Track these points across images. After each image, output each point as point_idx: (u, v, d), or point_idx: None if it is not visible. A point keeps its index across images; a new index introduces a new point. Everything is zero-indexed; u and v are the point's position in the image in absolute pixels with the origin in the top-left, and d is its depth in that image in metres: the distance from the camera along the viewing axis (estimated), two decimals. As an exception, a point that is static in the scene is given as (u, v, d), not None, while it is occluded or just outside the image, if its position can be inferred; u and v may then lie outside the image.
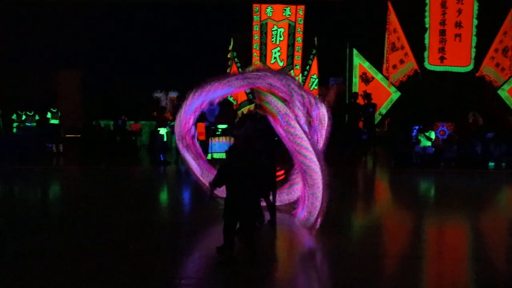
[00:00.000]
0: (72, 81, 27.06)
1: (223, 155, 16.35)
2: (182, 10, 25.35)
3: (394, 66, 23.06)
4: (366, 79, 23.49)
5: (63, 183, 16.84)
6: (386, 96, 23.14)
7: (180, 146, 10.73)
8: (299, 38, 22.81)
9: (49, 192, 15.31)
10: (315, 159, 8.93)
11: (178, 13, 25.43)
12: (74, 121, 25.89)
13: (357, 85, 23.49)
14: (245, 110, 21.65)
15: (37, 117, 22.56)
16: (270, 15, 22.74)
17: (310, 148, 8.95)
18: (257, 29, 22.79)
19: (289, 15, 22.73)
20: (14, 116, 22.36)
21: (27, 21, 25.11)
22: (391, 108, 23.18)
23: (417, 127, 19.72)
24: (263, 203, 10.23)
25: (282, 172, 11.12)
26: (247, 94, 22.44)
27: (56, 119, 22.49)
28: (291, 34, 22.82)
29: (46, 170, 18.50)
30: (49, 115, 22.34)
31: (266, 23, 22.79)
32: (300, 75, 22.87)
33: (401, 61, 23.06)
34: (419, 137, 18.97)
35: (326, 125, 10.72)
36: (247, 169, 7.84)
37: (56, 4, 25.54)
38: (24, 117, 22.38)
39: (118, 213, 11.25)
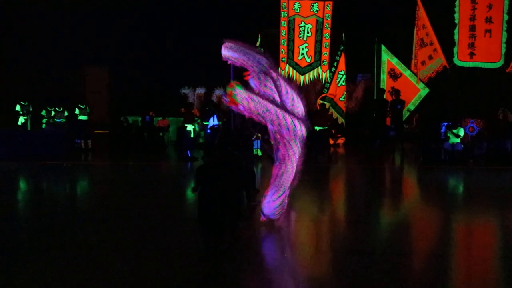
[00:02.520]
0: (100, 77, 27.23)
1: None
2: (210, 5, 25.38)
3: (423, 62, 22.83)
4: (394, 75, 23.30)
5: (91, 179, 16.97)
6: (415, 92, 22.92)
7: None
8: (326, 34, 22.71)
9: (77, 188, 15.44)
10: (292, 134, 9.00)
11: (206, 8, 25.46)
12: (103, 117, 26.09)
13: (385, 82, 23.31)
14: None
15: (66, 113, 22.76)
16: (298, 11, 22.67)
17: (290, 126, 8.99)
18: (285, 25, 22.74)
19: (316, 11, 22.64)
20: (43, 112, 22.57)
21: (56, 18, 25.32)
22: (420, 104, 22.96)
23: (445, 124, 19.53)
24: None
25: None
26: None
27: (84, 115, 22.68)
28: (319, 30, 22.72)
29: (74, 166, 18.66)
30: (77, 111, 22.53)
31: (294, 19, 22.72)
32: (328, 71, 22.78)
33: (430, 57, 22.82)
34: (448, 134, 18.78)
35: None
36: (221, 167, 7.86)
37: (84, 1, 25.75)
38: (53, 113, 22.58)
39: (145, 209, 11.30)
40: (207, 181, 7.68)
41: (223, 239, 7.90)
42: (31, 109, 22.77)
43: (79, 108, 22.58)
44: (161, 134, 23.73)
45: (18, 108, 22.38)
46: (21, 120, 22.41)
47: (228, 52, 9.33)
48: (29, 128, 22.18)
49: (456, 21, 22.65)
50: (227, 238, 8.01)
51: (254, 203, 11.00)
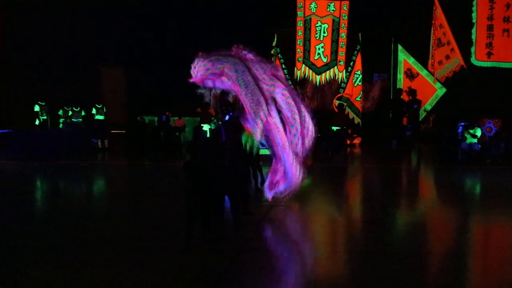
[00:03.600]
0: (117, 77, 27.32)
1: None
2: (225, 5, 25.38)
3: (440, 62, 22.71)
4: (411, 75, 23.20)
5: (107, 179, 17.05)
6: (432, 92, 22.80)
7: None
8: (343, 34, 22.66)
9: (93, 188, 15.52)
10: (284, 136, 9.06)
11: (221, 8, 25.47)
12: (119, 116, 26.17)
13: (401, 81, 23.21)
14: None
15: (83, 113, 22.87)
16: (314, 11, 22.63)
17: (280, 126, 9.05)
18: (301, 24, 22.71)
19: (333, 10, 22.59)
20: (60, 112, 22.70)
21: (72, 19, 25.45)
22: (437, 104, 22.84)
23: (462, 124, 19.42)
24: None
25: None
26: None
27: (101, 114, 22.76)
28: (335, 29, 22.67)
29: (91, 165, 18.75)
30: (94, 110, 22.63)
31: (310, 19, 22.69)
32: (344, 71, 22.73)
33: (447, 57, 22.69)
34: (465, 134, 18.67)
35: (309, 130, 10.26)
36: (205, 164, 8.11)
37: (101, 1, 25.85)
38: (70, 112, 22.69)
39: (161, 209, 11.33)
40: (192, 175, 8.06)
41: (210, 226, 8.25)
42: (49, 109, 22.87)
43: (96, 108, 22.68)
44: (177, 134, 23.79)
45: (37, 108, 22.50)
46: (38, 120, 22.52)
47: (199, 70, 9.30)
48: (49, 127, 22.28)
49: (474, 21, 22.51)
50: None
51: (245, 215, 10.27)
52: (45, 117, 22.53)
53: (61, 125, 22.51)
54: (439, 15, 22.36)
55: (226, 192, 8.93)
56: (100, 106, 22.90)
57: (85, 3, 25.71)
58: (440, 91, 22.74)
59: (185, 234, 8.04)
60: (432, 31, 22.71)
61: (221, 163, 8.65)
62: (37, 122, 22.45)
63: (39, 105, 22.55)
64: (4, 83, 25.65)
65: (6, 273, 7.34)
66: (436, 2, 22.31)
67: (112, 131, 23.68)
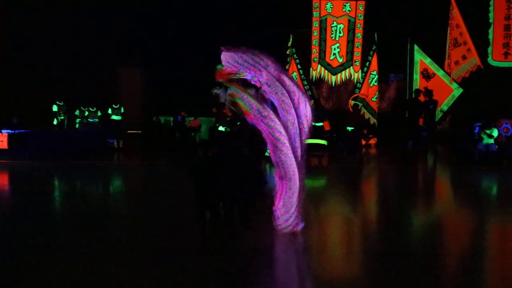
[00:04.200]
0: (133, 77, 27.44)
1: None
2: (241, 5, 25.40)
3: (456, 62, 22.62)
4: (427, 75, 23.13)
5: (123, 179, 17.12)
6: (448, 92, 22.73)
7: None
8: (359, 34, 22.62)
9: (109, 188, 15.58)
10: (290, 153, 8.84)
11: (236, 9, 25.50)
12: (135, 117, 26.27)
13: (418, 82, 23.15)
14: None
15: (99, 113, 22.98)
16: (330, 11, 22.61)
17: (287, 143, 8.85)
18: (317, 25, 22.70)
19: (349, 10, 22.56)
20: (77, 112, 22.82)
21: (90, 19, 25.58)
22: (453, 104, 22.76)
23: (479, 124, 19.30)
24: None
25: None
26: (305, 90, 22.35)
27: (117, 115, 22.85)
28: (351, 30, 22.64)
29: (107, 165, 18.84)
30: (110, 111, 22.73)
31: (326, 19, 22.67)
32: (360, 71, 22.68)
33: (464, 57, 22.60)
34: (481, 135, 18.57)
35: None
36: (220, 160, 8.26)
37: (119, 1, 25.97)
38: (86, 113, 22.80)
39: (177, 209, 11.35)
40: (202, 174, 8.36)
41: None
42: (67, 109, 23.00)
43: (112, 108, 22.77)
44: (192, 134, 23.85)
45: (55, 108, 22.64)
46: (56, 120, 22.66)
47: (229, 61, 9.24)
48: (66, 128, 22.41)
49: (491, 21, 22.43)
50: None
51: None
52: (62, 117, 22.67)
53: (77, 125, 22.63)
54: (455, 15, 22.27)
55: (236, 192, 9.03)
56: (117, 106, 22.98)
57: (103, 3, 25.84)
58: (457, 91, 22.65)
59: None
60: (448, 31, 22.63)
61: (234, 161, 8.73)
62: (55, 122, 22.59)
63: (57, 105, 22.69)
64: (21, 83, 25.83)
65: (24, 271, 7.40)
66: (453, 2, 22.22)
67: (128, 131, 23.78)
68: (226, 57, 9.15)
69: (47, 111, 23.16)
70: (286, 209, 9.02)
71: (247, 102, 8.98)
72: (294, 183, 8.90)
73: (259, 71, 9.12)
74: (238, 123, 15.28)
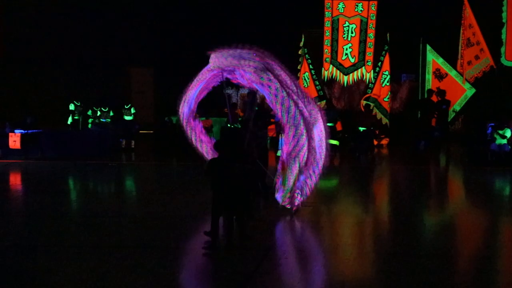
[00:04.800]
0: (145, 78, 27.53)
1: None
2: (253, 5, 25.42)
3: (469, 62, 22.53)
4: (439, 75, 23.03)
5: (136, 178, 17.17)
6: (461, 92, 22.63)
7: (186, 128, 11.84)
8: (371, 34, 22.56)
9: (121, 188, 15.64)
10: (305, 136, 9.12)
11: (248, 8, 25.51)
12: (147, 117, 26.34)
13: (430, 82, 23.05)
14: (315, 106, 21.50)
15: (111, 113, 23.02)
16: (342, 11, 22.57)
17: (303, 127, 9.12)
18: (329, 25, 22.66)
19: (361, 11, 22.51)
20: (89, 112, 22.89)
21: (102, 20, 25.67)
22: (466, 105, 22.66)
23: (491, 124, 19.20)
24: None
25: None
26: (317, 90, 22.35)
27: (128, 115, 22.88)
28: (363, 30, 22.58)
29: (119, 165, 18.91)
30: (121, 111, 22.77)
31: (338, 19, 22.63)
32: (372, 71, 22.62)
33: (477, 57, 22.51)
34: (494, 135, 18.48)
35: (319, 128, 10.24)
36: (233, 163, 8.34)
37: (131, 1, 26.06)
38: (99, 113, 22.86)
39: (190, 208, 11.38)
40: (215, 173, 8.29)
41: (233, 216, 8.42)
42: (82, 110, 23.07)
43: (123, 108, 22.83)
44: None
45: (72, 107, 22.67)
46: (70, 119, 22.71)
47: (217, 61, 9.66)
48: (80, 128, 22.49)
49: (504, 21, 22.32)
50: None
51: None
52: (77, 117, 22.73)
53: (90, 125, 22.70)
54: (468, 15, 22.18)
55: (249, 190, 9.12)
56: (128, 107, 23.02)
57: (115, 4, 25.94)
58: (469, 91, 22.55)
59: (211, 230, 8.26)
60: (461, 31, 22.54)
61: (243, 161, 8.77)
62: (69, 121, 22.62)
63: (74, 104, 22.73)
64: (34, 84, 25.97)
65: (39, 270, 7.44)
66: (466, 2, 22.13)
67: (140, 132, 23.83)
68: (213, 58, 9.57)
69: (59, 111, 23.26)
70: (288, 186, 9.28)
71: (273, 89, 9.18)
72: (301, 161, 9.15)
73: (246, 63, 9.37)
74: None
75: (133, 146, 22.27)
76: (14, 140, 19.16)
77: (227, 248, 8.15)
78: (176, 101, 11.81)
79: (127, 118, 22.85)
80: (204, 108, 23.96)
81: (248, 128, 10.12)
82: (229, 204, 8.25)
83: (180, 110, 11.72)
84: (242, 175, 8.50)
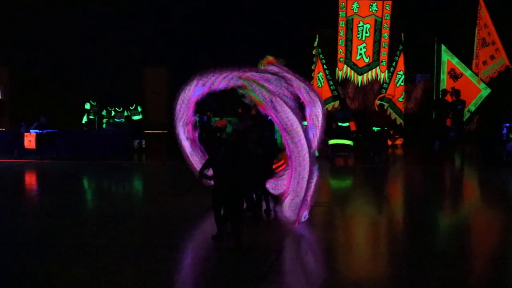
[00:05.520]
0: (159, 77, 27.56)
1: None
2: (266, 5, 25.39)
3: (484, 62, 22.38)
4: (454, 75, 22.90)
5: (150, 179, 17.24)
6: (476, 92, 22.48)
7: (180, 131, 12.03)
8: (385, 34, 22.46)
9: (134, 188, 15.70)
10: (302, 142, 8.95)
11: (261, 9, 25.48)
12: (161, 117, 26.36)
13: (445, 82, 22.92)
14: (329, 107, 21.49)
15: (125, 113, 23.04)
16: (356, 11, 22.49)
17: (300, 132, 8.96)
18: (343, 25, 22.59)
19: (375, 10, 22.42)
20: (104, 112, 22.92)
21: (117, 20, 25.74)
22: (481, 105, 22.52)
23: (507, 125, 19.09)
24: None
25: (281, 163, 10.81)
26: (331, 90, 22.29)
27: (135, 115, 22.82)
28: (378, 30, 22.49)
29: (133, 165, 19.00)
30: (127, 112, 22.74)
31: (352, 19, 22.55)
32: (386, 71, 22.53)
33: (492, 57, 22.36)
34: (510, 135, 18.37)
35: (319, 125, 10.31)
36: (235, 153, 8.55)
37: (142, 3, 26.13)
38: (113, 113, 22.89)
39: (204, 208, 11.38)
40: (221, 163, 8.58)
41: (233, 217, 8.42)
42: (97, 110, 23.13)
43: (129, 109, 22.74)
44: (218, 134, 23.85)
45: (87, 106, 22.70)
46: (85, 119, 22.77)
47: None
48: (96, 128, 22.56)
49: (520, 20, 22.14)
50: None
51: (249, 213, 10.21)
52: (92, 117, 22.79)
53: (104, 125, 22.76)
54: (484, 14, 22.04)
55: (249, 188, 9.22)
56: (133, 107, 22.90)
57: (129, 3, 26.01)
58: (485, 91, 22.41)
59: (218, 233, 8.52)
60: (476, 30, 22.41)
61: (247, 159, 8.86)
62: (84, 120, 22.66)
63: (90, 104, 22.77)
64: (48, 84, 26.09)
65: (54, 268, 7.48)
66: (481, 2, 21.98)
67: (154, 132, 23.87)
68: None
69: (74, 112, 23.36)
70: (293, 197, 9.17)
71: (259, 93, 9.12)
72: (303, 169, 9.01)
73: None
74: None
75: (143, 146, 22.30)
76: (29, 140, 19.29)
77: (235, 249, 8.12)
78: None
79: (135, 118, 22.79)
80: (219, 108, 24.12)
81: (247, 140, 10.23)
82: (227, 195, 8.31)
83: (177, 110, 12.09)
84: (255, 159, 8.59)
